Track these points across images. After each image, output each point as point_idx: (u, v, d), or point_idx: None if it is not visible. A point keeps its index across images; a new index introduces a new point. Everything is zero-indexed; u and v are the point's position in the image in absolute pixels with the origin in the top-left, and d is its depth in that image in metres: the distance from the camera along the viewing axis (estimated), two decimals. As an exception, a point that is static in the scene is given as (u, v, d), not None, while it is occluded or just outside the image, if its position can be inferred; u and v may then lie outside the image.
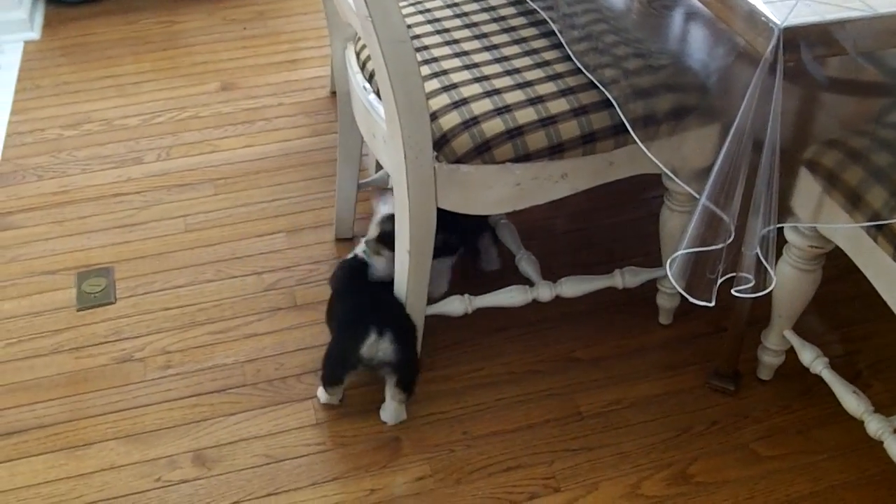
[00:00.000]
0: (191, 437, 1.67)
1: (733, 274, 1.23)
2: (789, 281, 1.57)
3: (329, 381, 1.70)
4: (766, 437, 1.67)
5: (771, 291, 1.28)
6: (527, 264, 1.83)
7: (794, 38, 1.07)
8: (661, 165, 1.39)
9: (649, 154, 1.40)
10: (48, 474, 1.62)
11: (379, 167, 2.17)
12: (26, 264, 2.08)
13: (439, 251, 1.65)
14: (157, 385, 1.78)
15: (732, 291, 1.24)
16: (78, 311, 1.95)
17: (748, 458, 1.63)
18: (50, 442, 1.68)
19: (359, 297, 1.72)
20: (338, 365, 1.68)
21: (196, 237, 2.14)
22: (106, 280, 2.02)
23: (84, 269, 2.05)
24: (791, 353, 1.69)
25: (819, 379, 1.62)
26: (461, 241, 1.84)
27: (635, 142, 1.46)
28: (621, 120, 1.48)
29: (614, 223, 2.17)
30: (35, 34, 3.01)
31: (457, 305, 1.76)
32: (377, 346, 1.61)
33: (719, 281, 1.21)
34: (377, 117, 1.60)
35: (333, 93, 2.63)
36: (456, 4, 1.81)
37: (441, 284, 1.84)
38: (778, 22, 1.07)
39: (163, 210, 2.23)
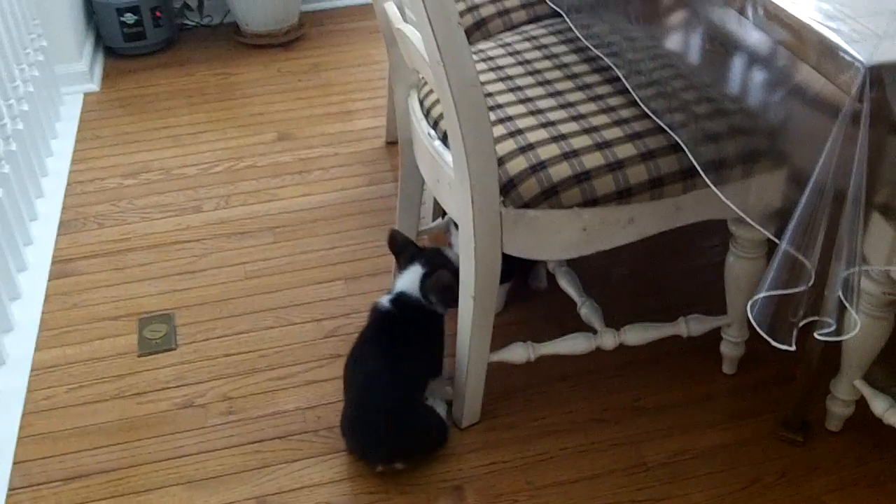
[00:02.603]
0: (253, 484, 1.66)
1: (814, 318, 1.21)
2: (861, 328, 1.54)
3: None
4: (837, 490, 1.63)
5: (840, 340, 1.25)
6: (589, 311, 1.81)
7: (881, 76, 1.06)
8: (735, 208, 1.38)
9: (724, 198, 1.38)
10: (110, 520, 1.61)
11: (436, 216, 2.18)
12: (88, 310, 2.10)
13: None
14: (219, 431, 1.77)
15: (815, 335, 1.21)
16: (139, 356, 1.96)
17: (820, 512, 1.59)
18: (112, 487, 1.67)
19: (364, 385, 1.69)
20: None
21: (256, 284, 2.15)
22: (167, 326, 2.02)
23: (145, 316, 2.07)
24: (861, 403, 1.65)
25: (892, 430, 1.58)
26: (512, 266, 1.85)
27: (704, 186, 1.45)
28: (690, 164, 1.47)
29: (672, 272, 2.15)
30: (95, 86, 3.07)
31: (520, 352, 1.74)
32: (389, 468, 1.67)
33: (800, 325, 1.19)
34: (443, 163, 1.61)
35: (388, 143, 2.65)
36: (518, 53, 1.82)
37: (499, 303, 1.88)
38: (864, 60, 1.06)
39: (222, 258, 2.24)
